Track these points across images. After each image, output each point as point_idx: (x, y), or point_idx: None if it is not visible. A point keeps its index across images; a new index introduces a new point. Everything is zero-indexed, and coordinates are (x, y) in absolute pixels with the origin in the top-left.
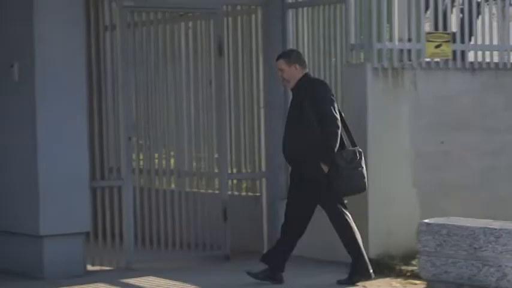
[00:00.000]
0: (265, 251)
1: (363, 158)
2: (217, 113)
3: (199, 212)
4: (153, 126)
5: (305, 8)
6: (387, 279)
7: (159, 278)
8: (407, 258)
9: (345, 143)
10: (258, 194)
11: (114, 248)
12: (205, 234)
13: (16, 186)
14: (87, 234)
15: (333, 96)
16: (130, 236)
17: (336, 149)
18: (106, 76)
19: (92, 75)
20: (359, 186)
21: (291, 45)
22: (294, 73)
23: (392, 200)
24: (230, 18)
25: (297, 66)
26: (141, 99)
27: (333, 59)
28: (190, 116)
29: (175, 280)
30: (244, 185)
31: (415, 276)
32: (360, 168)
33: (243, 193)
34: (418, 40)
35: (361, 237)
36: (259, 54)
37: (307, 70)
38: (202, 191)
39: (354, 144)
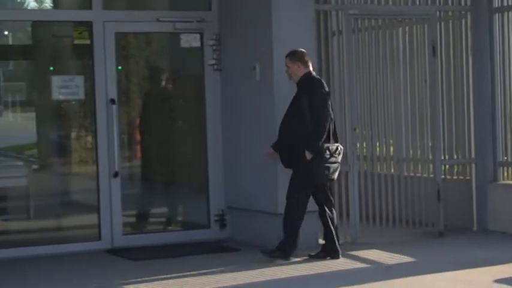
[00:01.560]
0: (474, 228)
1: (341, 154)
2: (431, 107)
3: (416, 194)
4: (375, 118)
5: (510, 12)
6: None
7: (380, 251)
8: None
9: (331, 137)
10: (468, 178)
11: (342, 224)
12: (421, 213)
13: (259, 170)
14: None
15: (328, 95)
16: (356, 215)
17: (321, 142)
18: (333, 75)
19: (321, 74)
20: (332, 177)
21: (497, 47)
22: (296, 70)
23: None
24: (442, 23)
25: (299, 64)
26: (364, 95)
27: None
28: (407, 109)
29: (394, 253)
30: (455, 170)
31: None
32: (337, 163)
33: (455, 177)
34: None
35: None
36: (468, 55)
37: (310, 68)
38: (418, 175)
39: (336, 141)
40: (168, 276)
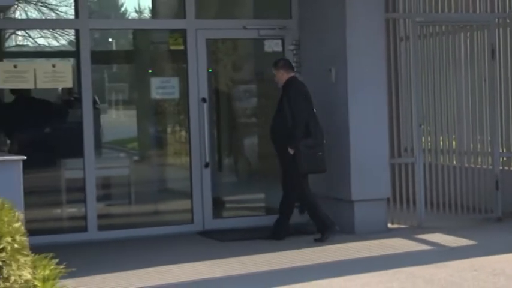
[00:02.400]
0: None
1: (323, 146)
2: (491, 105)
3: (476, 183)
4: (439, 115)
5: None
6: None
7: (444, 234)
8: None
9: (312, 133)
10: None
11: (409, 211)
12: (481, 200)
13: (334, 162)
14: (388, 199)
15: (305, 95)
16: (421, 202)
17: (298, 137)
18: (401, 77)
19: (390, 77)
20: (318, 167)
21: None
22: (281, 76)
23: None
24: (501, 29)
25: (282, 71)
26: (429, 95)
27: None
28: (468, 107)
29: (456, 236)
30: None
31: None
32: (319, 153)
33: None
34: None
35: None
36: None
37: (292, 74)
38: (478, 166)
39: (321, 135)
40: (252, 254)
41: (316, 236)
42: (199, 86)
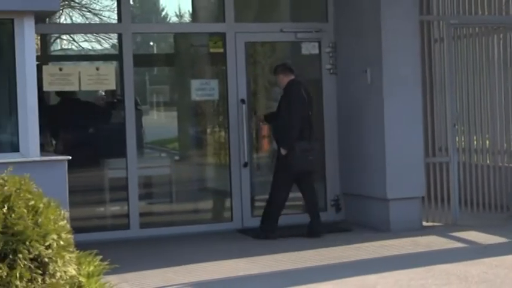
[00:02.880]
0: None
1: (315, 149)
2: None
3: (509, 182)
4: (472, 115)
5: None
6: None
7: (478, 232)
8: None
9: (305, 137)
10: None
11: (443, 209)
12: None
13: (370, 161)
14: (423, 198)
15: (302, 98)
16: (456, 200)
17: (292, 139)
18: (435, 78)
19: (425, 78)
20: (308, 169)
21: None
22: (281, 80)
23: None
24: None
25: (281, 75)
26: (463, 95)
27: None
28: (501, 107)
29: (490, 234)
30: None
31: None
32: (310, 157)
33: None
34: None
35: None
36: None
37: (292, 77)
38: (511, 165)
39: (314, 140)
40: (288, 251)
41: (255, 234)
42: (238, 88)
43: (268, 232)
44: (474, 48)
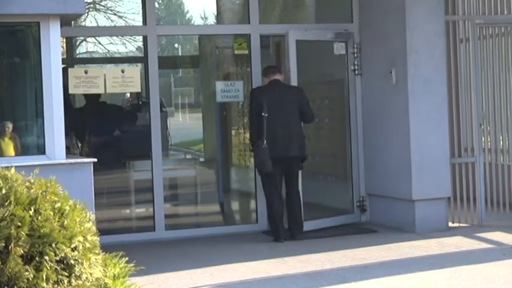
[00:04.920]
0: None
1: (266, 150)
2: None
3: None
4: (498, 115)
5: None
6: None
7: (504, 233)
8: None
9: (262, 136)
10: None
11: (469, 209)
12: None
13: (395, 162)
14: (448, 198)
15: (258, 99)
16: (482, 201)
17: (252, 139)
18: (461, 78)
19: (450, 78)
20: (265, 168)
21: None
22: (264, 83)
23: None
24: None
25: (263, 78)
26: (488, 95)
27: None
28: None
29: None
30: None
31: None
32: (262, 158)
33: None
34: None
35: None
36: None
37: (273, 77)
38: None
39: (270, 140)
40: (313, 253)
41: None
42: None
43: (275, 237)
44: (500, 48)
